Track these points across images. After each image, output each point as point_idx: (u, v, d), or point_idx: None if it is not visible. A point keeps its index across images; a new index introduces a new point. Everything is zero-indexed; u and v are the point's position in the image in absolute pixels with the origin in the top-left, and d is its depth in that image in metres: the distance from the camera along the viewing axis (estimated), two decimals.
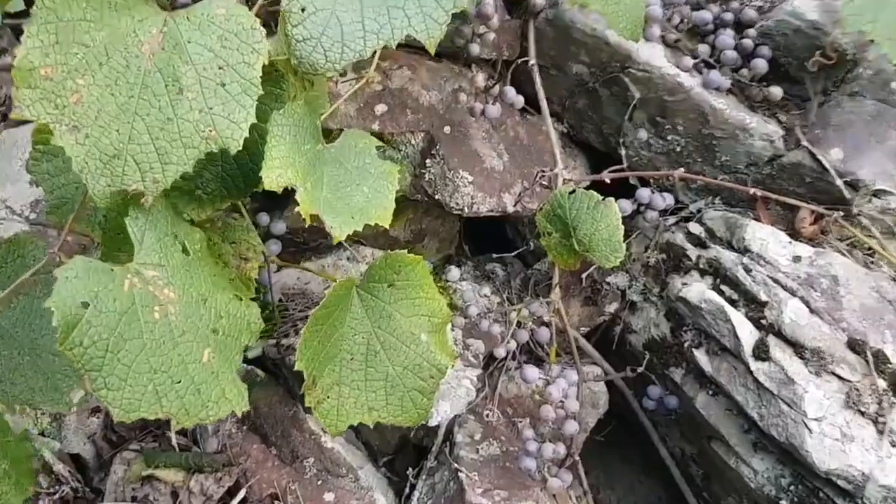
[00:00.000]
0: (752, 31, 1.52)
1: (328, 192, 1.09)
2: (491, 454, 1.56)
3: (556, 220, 1.46)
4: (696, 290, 1.46)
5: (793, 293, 1.37)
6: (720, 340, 1.41)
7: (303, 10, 1.04)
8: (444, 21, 1.09)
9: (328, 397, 1.27)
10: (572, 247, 1.44)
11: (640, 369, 1.54)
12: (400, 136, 1.51)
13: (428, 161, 1.51)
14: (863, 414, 1.29)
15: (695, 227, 1.57)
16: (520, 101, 1.50)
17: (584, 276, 1.66)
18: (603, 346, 1.68)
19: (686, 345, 1.49)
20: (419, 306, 1.31)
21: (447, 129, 1.53)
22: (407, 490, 1.60)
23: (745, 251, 1.46)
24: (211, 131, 0.99)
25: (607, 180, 1.52)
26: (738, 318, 1.39)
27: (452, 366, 1.33)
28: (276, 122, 1.08)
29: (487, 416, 1.54)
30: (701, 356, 1.45)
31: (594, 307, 1.69)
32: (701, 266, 1.51)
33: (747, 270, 1.42)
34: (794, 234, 1.50)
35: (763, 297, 1.38)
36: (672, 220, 1.64)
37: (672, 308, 1.54)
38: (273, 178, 1.04)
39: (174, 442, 1.58)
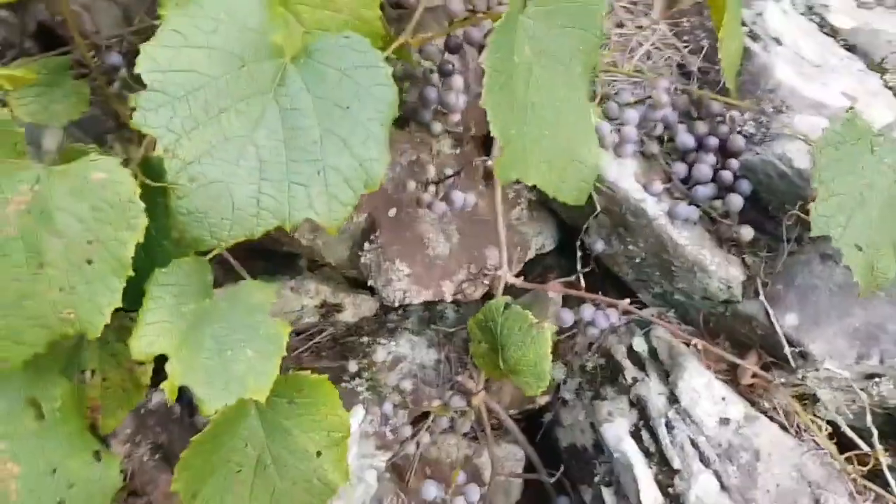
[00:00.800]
0: (734, 163, 1.40)
1: (208, 355, 1.04)
2: None
3: (487, 331, 1.40)
4: (615, 432, 1.41)
5: (707, 465, 1.32)
6: (626, 494, 1.37)
7: (192, 181, 0.96)
8: (351, 202, 1.00)
9: None
10: (498, 363, 1.39)
11: (556, 475, 1.51)
12: None
13: (366, 245, 1.44)
14: None
15: (639, 344, 1.50)
16: (470, 202, 1.41)
17: None
18: (530, 431, 1.65)
19: (598, 477, 1.45)
20: (318, 422, 1.28)
21: (393, 211, 1.45)
22: None
23: (674, 400, 1.39)
24: (70, 314, 0.93)
25: (552, 294, 1.44)
26: (646, 481, 1.34)
27: (344, 484, 1.31)
28: (156, 281, 1.02)
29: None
30: (609, 497, 1.41)
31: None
32: (632, 396, 1.45)
33: (669, 428, 1.36)
34: (736, 379, 1.43)
35: (676, 464, 1.33)
36: (622, 321, 1.56)
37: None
38: (142, 346, 0.99)
39: None
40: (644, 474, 1.35)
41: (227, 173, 0.98)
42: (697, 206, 1.41)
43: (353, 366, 1.55)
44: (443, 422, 1.60)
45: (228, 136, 0.98)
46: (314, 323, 1.72)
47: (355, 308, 1.69)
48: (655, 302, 1.57)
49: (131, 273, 0.95)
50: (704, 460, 1.32)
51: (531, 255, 1.67)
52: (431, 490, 1.39)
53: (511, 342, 1.37)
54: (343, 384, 1.54)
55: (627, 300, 1.41)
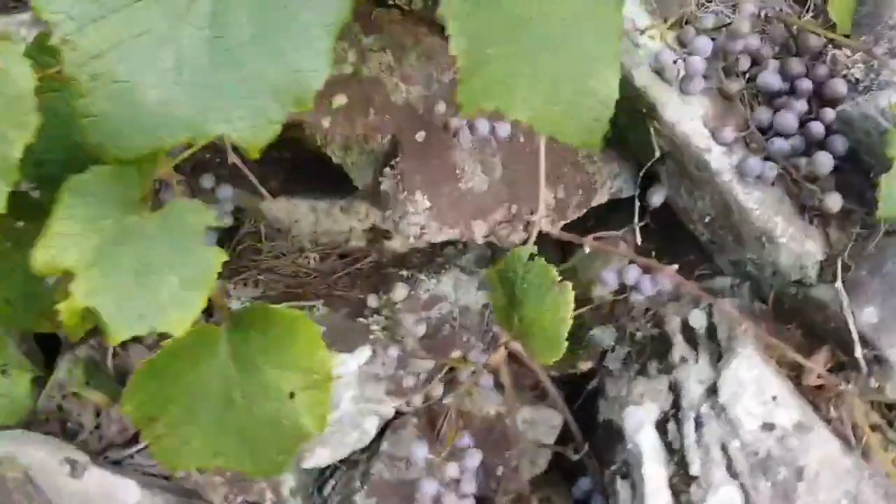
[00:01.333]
0: (829, 113, 1.13)
1: (124, 277, 0.92)
2: (402, 480, 1.43)
3: (507, 283, 1.22)
4: (638, 418, 1.21)
5: (734, 476, 1.10)
6: (634, 490, 1.18)
7: (93, 79, 0.83)
8: (278, 120, 0.85)
9: (171, 435, 1.17)
10: (513, 320, 1.21)
11: (581, 452, 1.33)
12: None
13: (385, 170, 1.28)
14: None
15: (697, 319, 1.28)
16: (503, 132, 1.21)
17: None
18: (574, 399, 1.47)
19: (615, 466, 1.25)
20: (293, 361, 1.16)
21: (421, 134, 1.27)
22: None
23: (713, 392, 1.16)
24: None
25: (587, 248, 1.24)
26: (656, 482, 1.14)
27: (321, 432, 1.19)
28: (71, 188, 0.91)
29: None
30: (622, 489, 1.22)
31: (570, 355, 1.44)
32: (672, 378, 1.23)
33: (698, 424, 1.14)
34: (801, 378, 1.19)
35: (695, 469, 1.12)
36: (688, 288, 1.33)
37: None
38: (46, 259, 0.89)
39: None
40: (654, 474, 1.14)
41: (137, 73, 0.84)
42: (775, 163, 1.15)
43: (373, 301, 1.40)
44: (485, 380, 1.43)
45: (144, 29, 0.84)
46: (360, 248, 1.58)
47: (405, 238, 1.53)
48: (730, 270, 1.32)
49: (19, 177, 0.83)
50: (732, 470, 1.10)
51: (600, 200, 1.45)
52: (420, 451, 1.24)
53: (529, 299, 1.19)
54: (360, 319, 1.40)
55: (675, 267, 1.18)
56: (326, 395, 1.18)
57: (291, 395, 1.17)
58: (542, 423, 1.48)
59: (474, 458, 1.27)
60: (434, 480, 1.22)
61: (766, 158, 1.16)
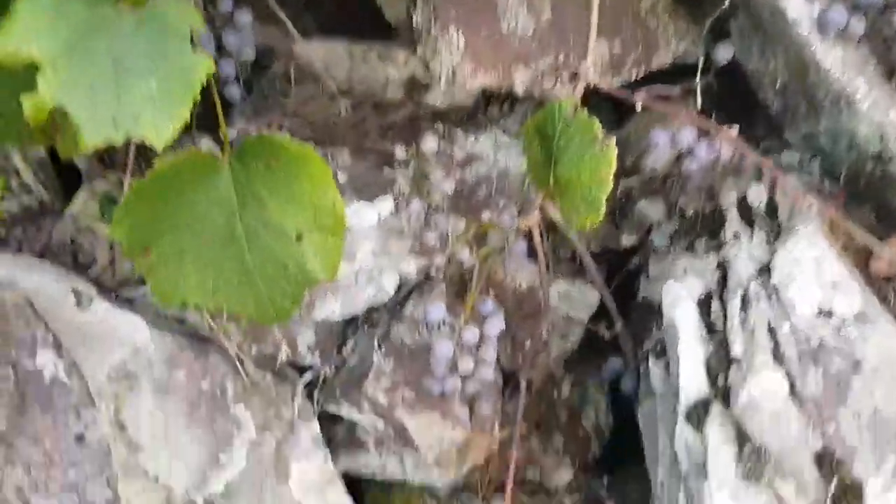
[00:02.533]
0: None
1: (99, 75, 0.82)
2: (423, 344, 1.33)
3: (543, 137, 1.10)
4: (677, 293, 1.08)
5: (780, 362, 0.98)
6: (671, 366, 1.06)
7: None
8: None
9: (166, 266, 1.09)
10: (549, 179, 1.09)
11: (610, 334, 1.22)
12: None
13: (419, 2, 1.14)
14: None
15: (756, 194, 1.14)
16: None
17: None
18: (611, 275, 1.35)
19: (650, 344, 1.14)
20: (300, 200, 1.06)
21: None
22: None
23: (766, 272, 1.03)
24: None
25: (638, 105, 1.10)
26: (691, 361, 1.02)
27: (333, 280, 1.09)
28: None
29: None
30: (655, 368, 1.10)
31: (613, 229, 1.32)
32: (721, 256, 1.10)
33: (745, 303, 1.02)
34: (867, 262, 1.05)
35: (736, 350, 0.99)
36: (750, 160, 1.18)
37: None
38: (10, 49, 0.79)
39: None
40: (691, 352, 1.02)
41: None
42: (864, 16, 0.98)
43: (400, 152, 1.28)
44: (518, 247, 1.31)
45: None
46: (397, 100, 1.45)
47: (436, 79, 1.39)
48: (800, 144, 1.17)
49: None
50: (778, 356, 0.98)
51: (662, 60, 1.29)
52: (434, 313, 1.14)
53: (567, 156, 1.06)
54: (386, 170, 1.29)
55: (735, 129, 1.03)
56: (338, 241, 1.08)
57: (298, 238, 1.07)
58: (576, 299, 1.36)
59: (496, 325, 1.16)
60: (449, 342, 1.12)
61: (854, 9, 0.99)
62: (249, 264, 1.07)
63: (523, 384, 1.34)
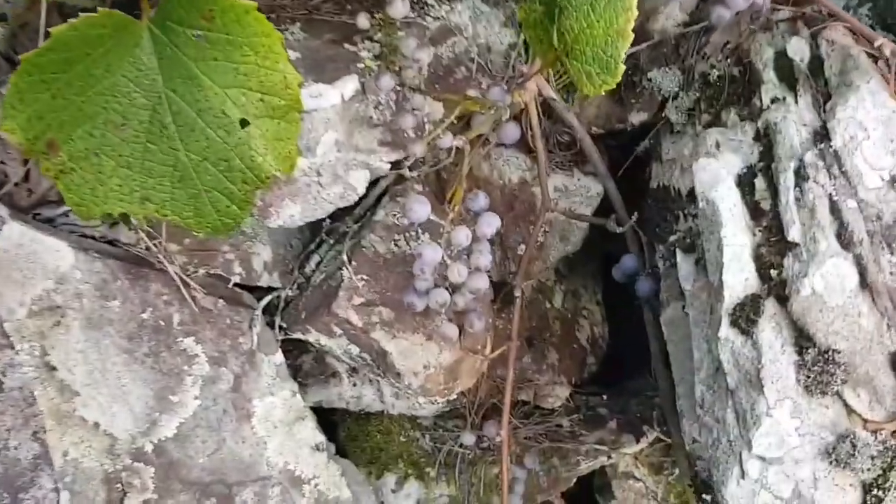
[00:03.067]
0: None
1: None
2: (400, 254, 1.13)
3: None
4: (713, 171, 0.88)
5: (846, 245, 0.79)
6: (707, 266, 0.87)
7: None
8: None
9: (80, 167, 0.86)
10: (552, 39, 0.87)
11: (620, 229, 1.02)
12: None
13: None
14: (850, 471, 0.77)
15: (797, 49, 0.94)
16: None
17: None
18: (616, 162, 1.14)
19: (675, 236, 0.94)
20: (245, 75, 0.85)
21: None
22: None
23: (823, 138, 0.84)
24: None
25: None
26: (736, 251, 0.83)
27: (289, 175, 0.88)
28: None
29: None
30: (685, 264, 0.91)
31: (618, 106, 1.12)
32: (760, 124, 0.90)
33: (800, 177, 0.82)
34: None
35: (793, 234, 0.80)
36: (783, 14, 0.98)
37: None
38: None
39: None
40: (736, 239, 0.83)
41: None
42: None
43: (363, 21, 1.05)
44: (508, 129, 1.10)
45: None
46: None
47: None
48: None
49: None
50: (844, 237, 0.79)
51: None
52: (419, 210, 0.93)
53: (574, 5, 0.84)
54: (346, 46, 1.06)
55: None
56: (292, 128, 0.87)
57: (243, 124, 0.85)
58: (577, 192, 1.17)
59: (490, 223, 0.96)
60: (437, 246, 0.92)
61: None
62: (184, 162, 0.86)
63: (518, 295, 1.15)
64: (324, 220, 1.23)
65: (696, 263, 0.91)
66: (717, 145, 0.91)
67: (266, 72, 0.82)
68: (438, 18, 1.14)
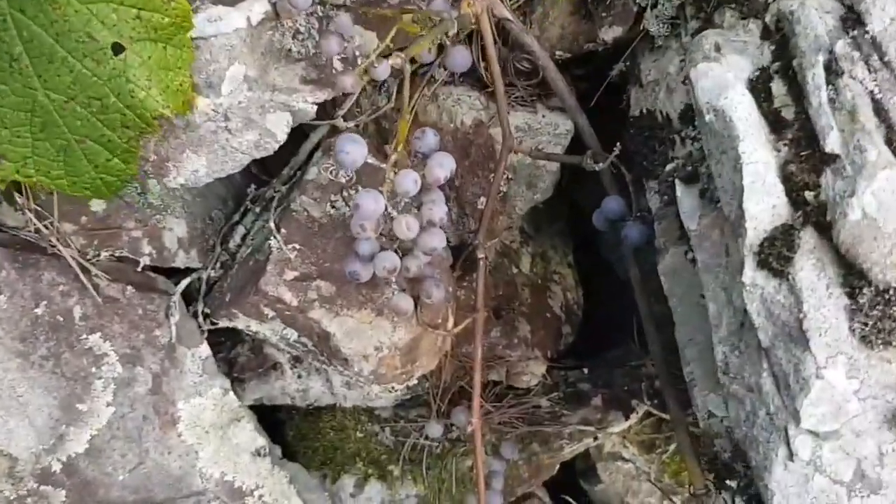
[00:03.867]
0: None
1: None
2: (338, 217, 0.94)
3: None
4: (718, 76, 0.70)
5: None
6: (715, 196, 0.69)
7: None
8: None
9: None
10: None
11: (598, 166, 0.84)
12: None
13: None
14: None
15: None
16: None
17: None
18: (585, 94, 0.96)
19: (673, 164, 0.76)
20: None
21: None
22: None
23: (855, 24, 0.65)
24: None
25: None
26: (759, 170, 0.64)
27: (183, 114, 0.68)
28: None
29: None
30: (687, 197, 0.73)
31: (586, 23, 0.93)
32: (768, 19, 0.72)
33: (831, 73, 0.64)
34: None
35: (831, 144, 0.63)
36: None
37: None
38: None
39: None
40: (758, 155, 0.65)
41: None
42: None
43: None
44: (457, 55, 0.90)
45: None
46: None
47: None
48: None
49: None
50: None
51: None
52: (353, 152, 0.73)
53: None
54: None
55: None
56: (183, 55, 0.67)
57: (116, 50, 0.65)
58: (543, 131, 1.00)
59: (443, 165, 0.77)
60: (379, 195, 0.73)
61: None
62: (45, 104, 0.67)
63: (482, 257, 0.96)
64: (248, 186, 1.05)
65: (702, 196, 0.73)
66: (717, 48, 0.72)
67: None
68: None
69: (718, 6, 0.82)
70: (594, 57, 0.99)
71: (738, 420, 0.67)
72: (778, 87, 0.68)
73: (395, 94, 1.00)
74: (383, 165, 0.76)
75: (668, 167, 0.78)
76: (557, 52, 0.96)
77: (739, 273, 0.65)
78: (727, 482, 0.74)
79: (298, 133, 1.08)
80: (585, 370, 1.28)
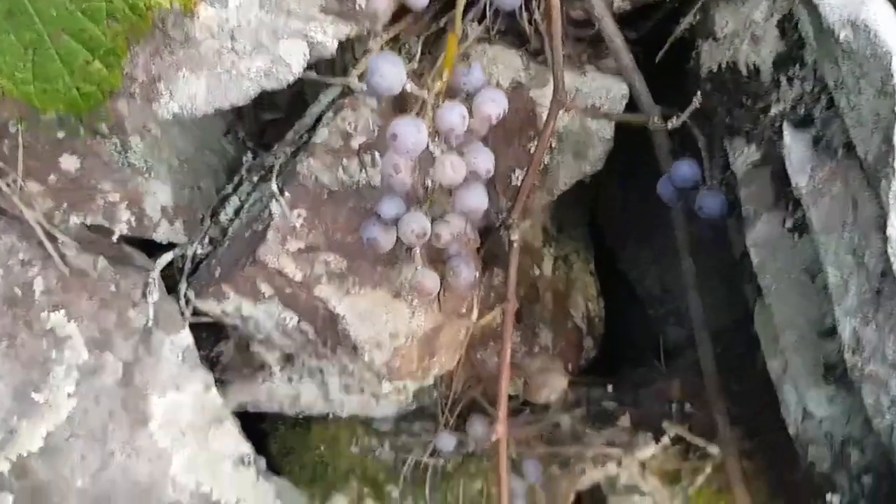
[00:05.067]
0: None
1: None
2: (352, 185, 0.81)
3: None
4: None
5: None
6: (852, 124, 0.55)
7: None
8: None
9: None
10: None
11: (676, 119, 0.70)
12: None
13: None
14: None
15: None
16: None
17: None
18: (651, 50, 0.84)
19: (777, 110, 0.62)
20: None
21: None
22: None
23: None
24: None
25: None
26: None
27: (186, 12, 0.54)
28: None
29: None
30: (797, 146, 0.59)
31: None
32: None
33: None
34: None
35: None
36: None
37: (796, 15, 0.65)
38: None
39: None
40: None
41: None
42: None
43: None
44: None
45: None
46: None
47: None
48: None
49: None
50: None
51: None
52: (389, 73, 0.59)
53: None
54: None
55: None
56: None
57: None
58: (593, 95, 0.85)
59: (496, 101, 0.63)
60: (422, 124, 0.58)
61: None
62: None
63: (514, 240, 0.82)
64: (243, 157, 0.92)
65: (816, 143, 0.59)
66: None
67: None
68: None
69: None
70: (654, 11, 0.86)
71: (877, 408, 0.53)
72: None
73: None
74: (424, 96, 0.62)
75: (772, 112, 0.64)
76: (616, 2, 0.83)
77: (878, 228, 0.52)
78: (827, 498, 0.60)
79: (300, 103, 0.96)
80: (609, 388, 1.14)
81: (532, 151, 0.84)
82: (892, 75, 0.51)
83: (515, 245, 0.85)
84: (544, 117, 0.80)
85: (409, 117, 0.60)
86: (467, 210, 0.67)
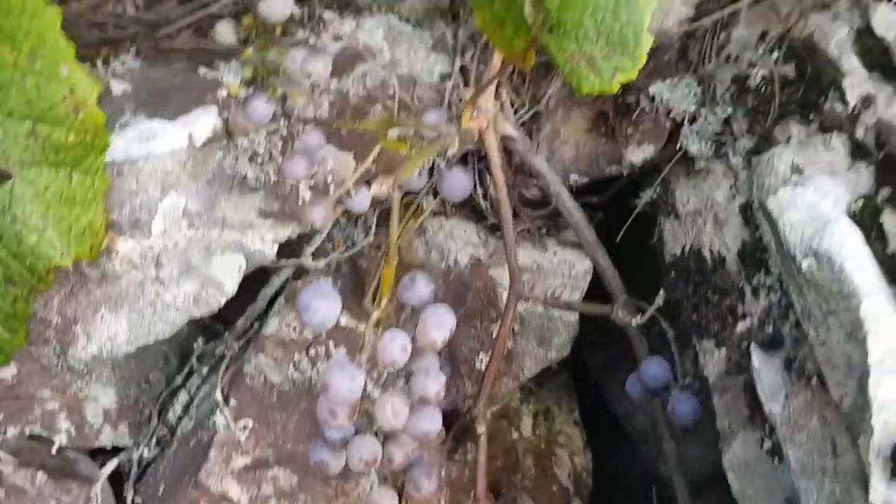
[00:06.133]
0: None
1: None
2: (303, 383, 0.75)
3: None
4: (807, 209, 0.53)
5: None
6: (822, 359, 0.49)
7: None
8: None
9: None
10: (522, 10, 0.52)
11: (641, 317, 0.65)
12: None
13: None
14: None
15: (887, 21, 0.59)
16: None
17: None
18: (615, 217, 0.80)
19: (748, 321, 0.57)
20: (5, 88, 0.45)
21: None
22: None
23: None
24: None
25: None
26: (889, 334, 0.45)
27: (91, 262, 0.49)
28: None
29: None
30: (767, 370, 0.54)
31: (608, 141, 0.77)
32: (859, 132, 0.55)
33: None
34: None
35: None
36: None
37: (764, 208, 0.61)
38: None
39: None
40: (887, 319, 0.45)
41: None
42: None
43: (225, 31, 0.68)
44: (454, 179, 0.73)
45: None
46: None
47: None
48: None
49: None
50: None
51: None
52: (323, 309, 0.54)
53: None
54: (203, 70, 0.69)
55: None
56: (95, 183, 0.48)
57: (1, 178, 0.46)
58: (555, 272, 0.81)
59: (441, 324, 0.57)
60: (355, 369, 0.53)
61: None
62: None
63: (481, 433, 0.77)
64: (196, 338, 0.86)
65: (787, 367, 0.54)
66: (797, 169, 0.55)
67: (37, 81, 0.44)
68: (340, 38, 0.78)
69: (781, 118, 0.65)
70: (612, 183, 0.82)
71: None
72: (892, 222, 0.50)
73: (373, 227, 0.83)
74: (361, 326, 0.57)
75: (740, 328, 0.59)
76: (572, 177, 0.79)
77: (860, 483, 0.46)
78: None
79: (260, 271, 0.91)
80: None
81: (494, 336, 0.78)
82: (861, 322, 0.45)
83: (483, 438, 0.79)
84: (505, 298, 0.75)
85: (343, 362, 0.54)
86: (420, 435, 0.61)
